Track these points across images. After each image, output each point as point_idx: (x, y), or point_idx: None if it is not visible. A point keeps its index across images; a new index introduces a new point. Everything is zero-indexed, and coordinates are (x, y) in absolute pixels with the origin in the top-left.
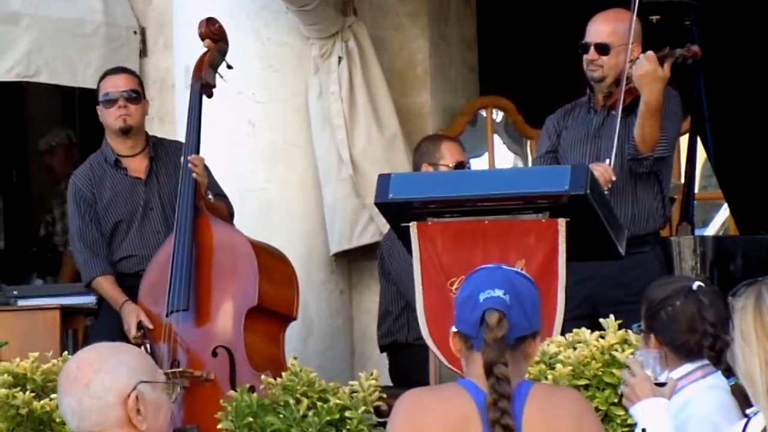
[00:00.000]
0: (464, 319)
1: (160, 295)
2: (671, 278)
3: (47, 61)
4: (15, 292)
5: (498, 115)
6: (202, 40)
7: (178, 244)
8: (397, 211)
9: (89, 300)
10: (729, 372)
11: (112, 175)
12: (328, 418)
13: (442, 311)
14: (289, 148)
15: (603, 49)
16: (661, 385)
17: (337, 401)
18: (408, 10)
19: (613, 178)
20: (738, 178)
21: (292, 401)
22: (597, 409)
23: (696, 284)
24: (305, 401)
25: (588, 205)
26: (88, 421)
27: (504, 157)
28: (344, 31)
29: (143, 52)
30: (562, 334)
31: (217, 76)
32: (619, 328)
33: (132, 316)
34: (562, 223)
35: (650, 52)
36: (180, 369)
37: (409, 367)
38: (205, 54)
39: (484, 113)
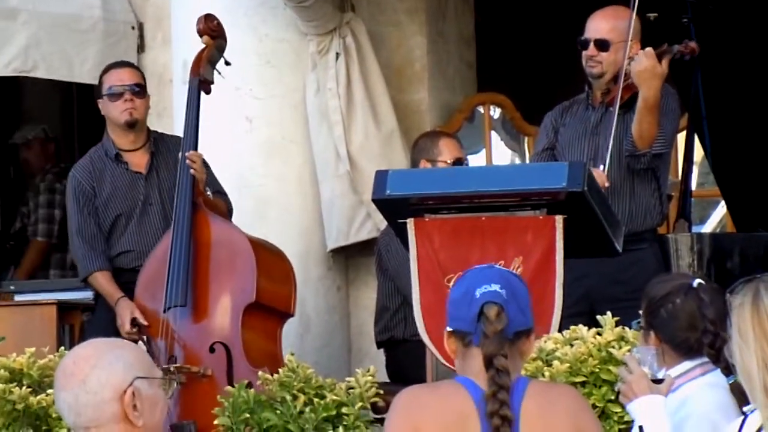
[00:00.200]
0: (460, 317)
1: (158, 290)
2: (671, 275)
3: (45, 56)
4: (12, 287)
5: (496, 112)
6: (201, 36)
7: (176, 240)
8: (395, 208)
9: (86, 295)
10: (728, 370)
11: (113, 169)
12: (324, 414)
13: (439, 308)
14: (287, 144)
15: (602, 45)
16: (659, 382)
17: (334, 397)
18: (406, 6)
19: (607, 185)
20: (735, 176)
21: (289, 397)
22: (594, 406)
23: (696, 281)
24: (302, 397)
25: (585, 202)
26: (84, 417)
27: (502, 153)
28: (342, 27)
29: (141, 48)
30: (560, 331)
31: (215, 72)
32: (617, 325)
33: (126, 312)
34: (559, 220)
35: (649, 49)
36: (177, 365)
37: (406, 363)
38: (203, 50)
39: (481, 110)
